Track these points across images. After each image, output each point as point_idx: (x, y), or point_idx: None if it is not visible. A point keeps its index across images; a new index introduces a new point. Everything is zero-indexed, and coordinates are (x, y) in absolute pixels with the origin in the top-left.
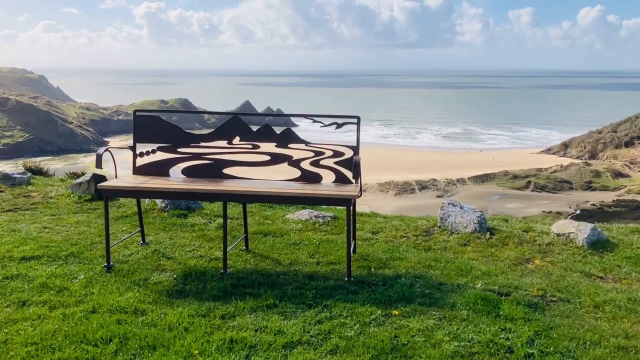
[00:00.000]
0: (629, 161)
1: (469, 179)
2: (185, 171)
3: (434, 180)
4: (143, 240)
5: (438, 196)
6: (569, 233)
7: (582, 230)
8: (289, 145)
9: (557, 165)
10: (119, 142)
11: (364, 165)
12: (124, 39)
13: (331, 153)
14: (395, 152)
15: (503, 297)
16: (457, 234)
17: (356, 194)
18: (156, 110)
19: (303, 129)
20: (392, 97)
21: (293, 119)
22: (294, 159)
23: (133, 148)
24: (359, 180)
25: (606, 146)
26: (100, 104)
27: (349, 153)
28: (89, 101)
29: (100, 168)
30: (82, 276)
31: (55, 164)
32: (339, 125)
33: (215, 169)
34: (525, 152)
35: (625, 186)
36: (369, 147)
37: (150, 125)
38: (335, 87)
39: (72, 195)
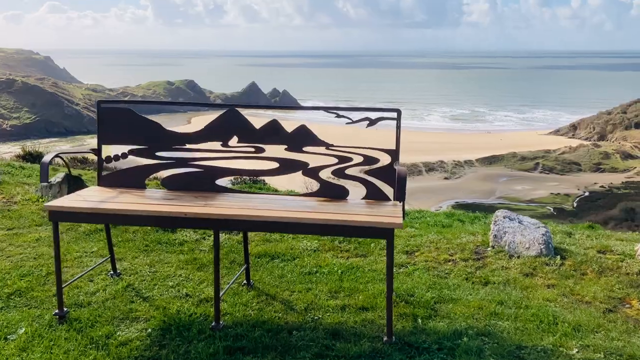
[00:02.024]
0: (638, 142)
1: (477, 160)
2: (166, 182)
3: (441, 162)
4: (114, 270)
5: (445, 178)
6: None
7: None
8: (304, 149)
9: (566, 147)
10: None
11: (373, 144)
12: (129, 19)
13: (361, 159)
14: (402, 133)
15: None
16: (518, 257)
17: (399, 221)
18: (127, 101)
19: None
20: (399, 78)
21: (300, 100)
22: (310, 166)
23: (97, 151)
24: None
25: (615, 127)
26: (107, 85)
27: (384, 159)
28: (95, 83)
29: (46, 182)
30: (23, 330)
31: (62, 145)
32: (372, 122)
33: (205, 180)
34: (534, 134)
35: (635, 167)
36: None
37: (119, 121)
38: (342, 68)
39: (41, 200)
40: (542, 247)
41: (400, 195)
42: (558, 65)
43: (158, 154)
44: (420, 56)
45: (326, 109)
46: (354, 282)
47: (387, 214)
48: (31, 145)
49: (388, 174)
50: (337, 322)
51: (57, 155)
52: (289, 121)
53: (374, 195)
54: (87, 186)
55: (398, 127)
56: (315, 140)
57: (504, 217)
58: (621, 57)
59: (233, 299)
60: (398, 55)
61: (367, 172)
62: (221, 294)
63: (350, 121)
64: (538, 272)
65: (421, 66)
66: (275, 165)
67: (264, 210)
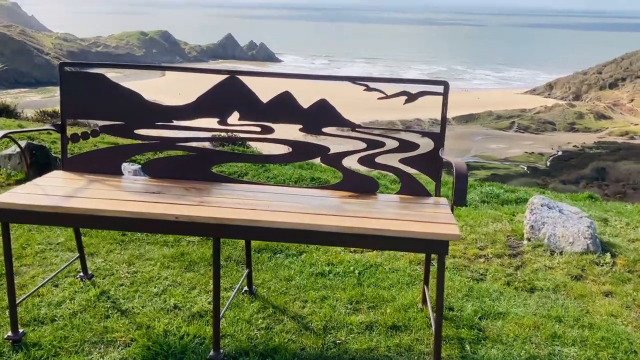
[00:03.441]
0: (612, 103)
1: (453, 119)
2: (148, 168)
3: (418, 119)
4: (84, 270)
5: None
6: None
7: None
8: (324, 130)
9: (541, 106)
10: None
11: (347, 104)
12: None
13: (396, 144)
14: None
15: None
16: (561, 254)
17: (455, 230)
18: (97, 64)
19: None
20: (375, 33)
21: (277, 54)
22: (331, 152)
23: (61, 127)
24: (461, 200)
25: (590, 87)
26: (78, 34)
27: (424, 145)
28: (66, 31)
29: None
30: None
31: (32, 96)
32: (411, 98)
33: (198, 166)
34: (510, 93)
35: (607, 128)
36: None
37: (88, 89)
38: (318, 22)
39: None
40: (588, 242)
41: (460, 199)
42: (535, 23)
43: (137, 131)
44: (396, 11)
45: (353, 80)
46: (376, 287)
47: (435, 218)
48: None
49: (429, 163)
50: (366, 349)
51: (5, 136)
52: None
53: (410, 189)
54: (55, 160)
55: (444, 105)
56: (337, 119)
57: (541, 205)
58: (602, 17)
59: (233, 312)
60: (375, 10)
61: (402, 161)
62: (222, 313)
63: (384, 96)
64: (588, 274)
65: (397, 21)
66: (286, 149)
67: (276, 214)
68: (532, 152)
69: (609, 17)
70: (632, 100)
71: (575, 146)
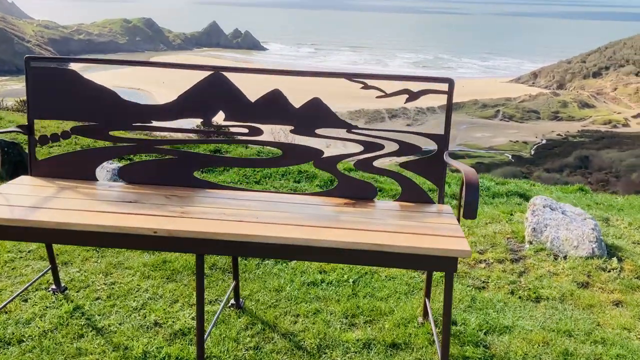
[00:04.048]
0: (595, 92)
1: (439, 107)
2: (125, 173)
3: (404, 108)
4: (56, 283)
5: (408, 125)
6: None
7: None
8: (317, 131)
9: (526, 95)
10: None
11: (333, 93)
12: None
13: (396, 147)
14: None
15: None
16: (565, 258)
17: (466, 246)
18: (67, 59)
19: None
20: (359, 21)
21: (263, 42)
22: (324, 156)
23: (27, 128)
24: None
25: (574, 76)
26: (60, 22)
27: (427, 146)
28: (47, 19)
29: None
30: None
31: (13, 85)
32: (413, 96)
33: (180, 171)
34: (495, 81)
35: (591, 117)
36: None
37: (58, 87)
38: (302, 9)
39: None
40: (593, 245)
41: (470, 212)
42: (519, 11)
43: (113, 133)
44: None
45: (349, 77)
46: (372, 297)
47: (441, 231)
48: None
49: (432, 167)
50: None
51: None
52: (252, 63)
53: (410, 196)
54: (30, 159)
55: (449, 106)
56: (332, 119)
57: (544, 207)
58: (583, 6)
59: (219, 329)
60: None
61: (402, 165)
62: (207, 334)
63: (383, 94)
64: (595, 281)
65: (381, 9)
66: (276, 151)
67: (265, 227)
68: (517, 141)
69: (593, 6)
70: (615, 89)
71: (559, 135)
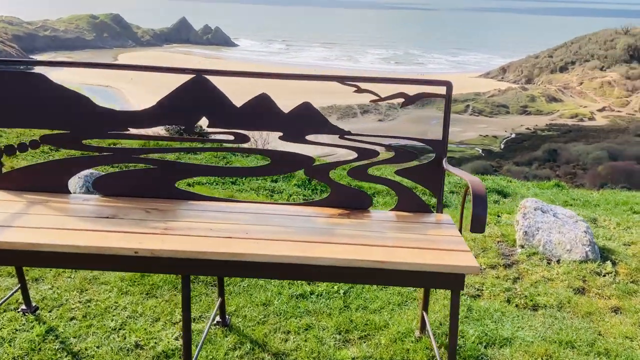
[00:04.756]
0: (562, 86)
1: None
2: (100, 185)
3: (375, 104)
4: (27, 304)
5: (379, 120)
6: None
7: None
8: (308, 137)
9: (495, 90)
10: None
11: (305, 89)
12: None
13: (392, 154)
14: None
15: None
16: (558, 263)
17: (473, 261)
18: (34, 62)
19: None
20: (327, 17)
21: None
22: (316, 164)
23: None
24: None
25: (542, 71)
26: (24, 17)
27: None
28: (10, 14)
29: None
30: None
31: None
32: (409, 100)
33: (160, 182)
34: (465, 76)
35: (558, 111)
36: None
37: (25, 92)
38: (272, 5)
39: None
40: (587, 249)
41: (478, 226)
42: (484, 7)
43: (86, 142)
44: None
45: (342, 80)
46: (365, 310)
47: (444, 244)
48: None
49: (430, 175)
50: None
51: None
52: (224, 60)
53: (408, 205)
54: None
55: (447, 111)
56: (323, 125)
57: (535, 209)
58: (548, 2)
59: (206, 350)
60: None
61: (398, 172)
62: (194, 358)
63: (377, 98)
64: (591, 286)
65: (348, 5)
66: (264, 161)
67: (256, 244)
68: (487, 135)
69: (559, 2)
70: (581, 83)
71: (528, 129)
